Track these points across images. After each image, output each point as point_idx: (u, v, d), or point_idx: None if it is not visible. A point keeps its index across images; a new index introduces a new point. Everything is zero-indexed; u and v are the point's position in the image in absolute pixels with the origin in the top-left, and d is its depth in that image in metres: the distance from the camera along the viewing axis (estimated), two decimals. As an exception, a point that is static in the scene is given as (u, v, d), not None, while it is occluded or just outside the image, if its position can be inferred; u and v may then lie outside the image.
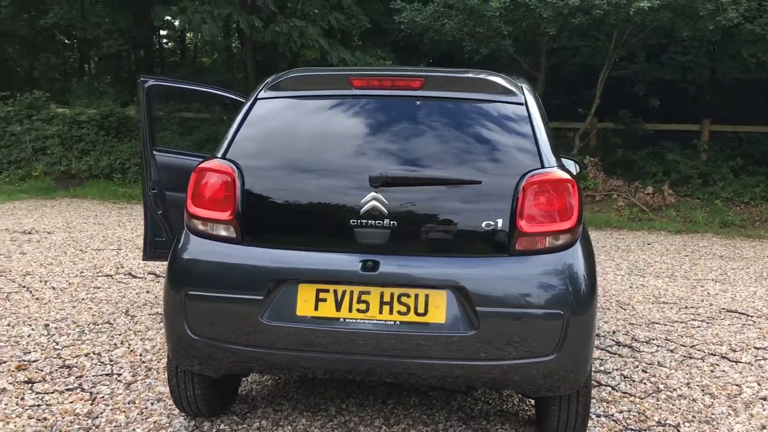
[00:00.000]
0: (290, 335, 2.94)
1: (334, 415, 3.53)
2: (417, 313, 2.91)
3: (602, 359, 4.45)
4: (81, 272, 6.45)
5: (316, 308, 2.95)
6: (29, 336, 4.66)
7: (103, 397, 3.68)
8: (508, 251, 2.95)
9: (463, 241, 3.00)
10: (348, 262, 2.96)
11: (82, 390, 3.76)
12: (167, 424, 3.39)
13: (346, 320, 2.93)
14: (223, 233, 3.07)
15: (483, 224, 2.95)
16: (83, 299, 5.54)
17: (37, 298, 5.57)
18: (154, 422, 3.40)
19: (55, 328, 4.84)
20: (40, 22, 17.39)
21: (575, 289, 2.94)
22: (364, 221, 2.97)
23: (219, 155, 3.18)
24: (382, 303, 2.93)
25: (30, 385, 3.83)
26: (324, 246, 3.03)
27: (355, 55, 14.72)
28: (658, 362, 4.44)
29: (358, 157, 3.12)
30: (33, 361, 4.18)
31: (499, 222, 2.94)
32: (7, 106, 14.99)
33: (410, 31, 12.57)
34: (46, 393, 3.72)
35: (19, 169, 13.70)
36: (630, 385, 4.07)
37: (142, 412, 3.50)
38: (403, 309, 2.92)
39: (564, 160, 4.94)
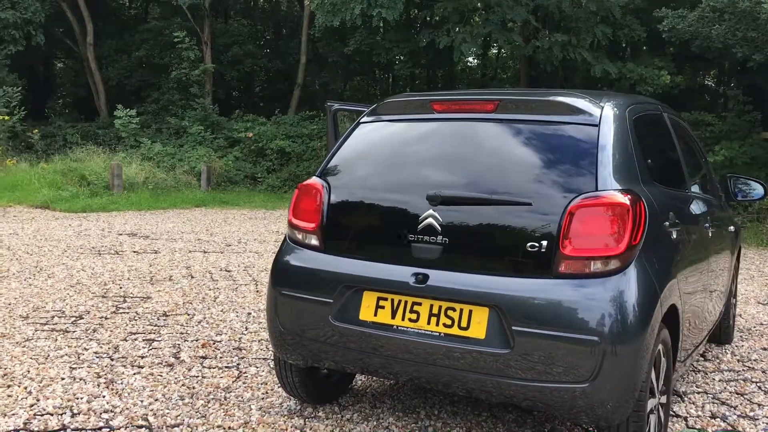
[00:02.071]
0: (353, 336, 3.27)
1: (421, 418, 3.75)
2: (460, 327, 3.06)
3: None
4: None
5: (375, 314, 3.24)
6: (230, 321, 5.54)
7: (247, 376, 4.32)
8: (551, 273, 2.95)
9: (507, 260, 3.07)
10: (403, 273, 3.20)
11: (237, 369, 4.45)
12: (278, 404, 3.91)
13: (399, 327, 3.17)
14: (310, 242, 3.50)
15: (528, 245, 3.00)
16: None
17: (257, 291, 6.52)
18: (270, 402, 3.94)
19: (254, 317, 5.67)
20: (345, 50, 19.51)
21: (617, 317, 2.85)
22: (420, 236, 3.19)
23: (317, 173, 3.62)
24: (431, 314, 3.13)
25: (203, 360, 4.61)
26: (387, 257, 3.30)
27: (626, 66, 14.20)
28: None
29: (423, 176, 3.36)
30: (218, 341, 5.00)
31: (544, 243, 2.97)
32: (311, 124, 17.15)
33: (674, 39, 11.84)
34: (210, 368, 4.46)
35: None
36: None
37: (267, 392, 4.06)
38: (448, 322, 3.09)
39: (749, 182, 4.59)
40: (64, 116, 23.99)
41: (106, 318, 5.51)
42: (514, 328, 2.94)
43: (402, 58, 19.70)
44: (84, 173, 14.27)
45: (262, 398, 4.00)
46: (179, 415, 3.71)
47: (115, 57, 24.49)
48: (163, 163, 16.68)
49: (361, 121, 3.78)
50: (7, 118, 17.17)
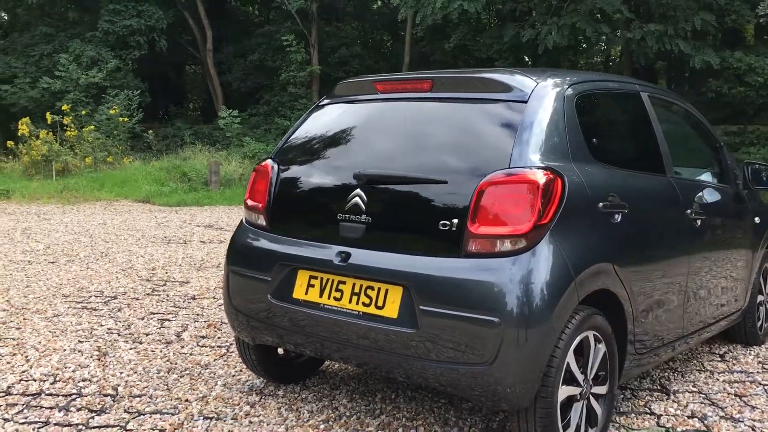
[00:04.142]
0: (287, 314, 3.34)
1: (376, 402, 3.75)
2: (377, 306, 3.06)
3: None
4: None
5: (306, 293, 3.30)
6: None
7: (231, 356, 4.47)
8: (460, 252, 2.89)
9: (422, 239, 3.04)
10: (330, 252, 3.23)
11: (227, 349, 4.61)
12: (244, 382, 4.03)
13: (325, 306, 3.21)
14: (259, 221, 3.59)
15: (440, 224, 2.95)
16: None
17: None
18: (238, 379, 4.07)
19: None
20: (445, 47, 19.49)
21: (519, 298, 2.75)
22: (347, 215, 3.21)
23: (271, 154, 3.71)
24: (352, 293, 3.15)
25: (201, 339, 4.81)
26: (320, 236, 3.34)
27: (733, 56, 13.33)
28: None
29: (358, 155, 3.38)
30: (225, 323, 5.18)
31: (455, 222, 2.92)
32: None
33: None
34: (203, 347, 4.65)
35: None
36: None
37: (241, 371, 4.18)
38: (367, 300, 3.09)
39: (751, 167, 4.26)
40: (184, 118, 25.39)
41: (137, 299, 5.84)
42: (420, 307, 2.90)
43: (503, 53, 19.41)
44: (185, 170, 15.07)
45: (233, 375, 4.13)
46: (146, 387, 3.90)
47: (233, 61, 25.63)
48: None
49: (318, 103, 3.83)
50: (126, 119, 18.40)
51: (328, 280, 3.23)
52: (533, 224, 2.81)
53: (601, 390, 3.18)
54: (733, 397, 3.96)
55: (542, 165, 2.92)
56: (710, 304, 4.11)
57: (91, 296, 5.92)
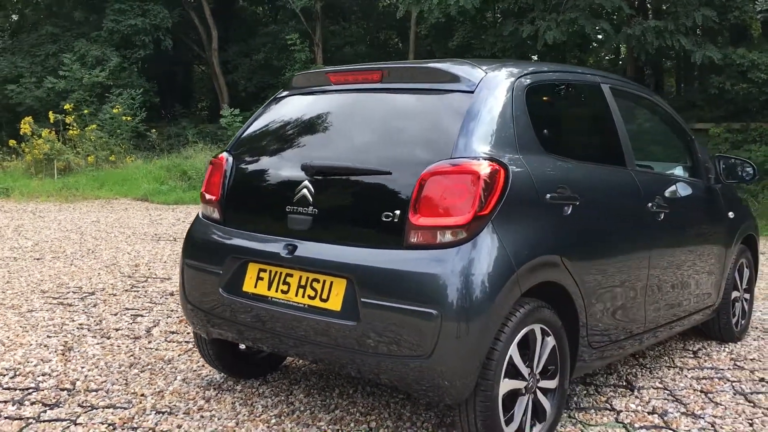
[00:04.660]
0: (238, 308, 3.30)
1: (333, 397, 3.71)
2: (321, 299, 3.03)
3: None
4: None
5: (255, 286, 3.27)
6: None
7: (195, 351, 4.44)
8: (401, 244, 2.85)
9: (366, 231, 3.01)
10: (278, 245, 3.20)
11: (194, 345, 4.56)
12: (204, 376, 4.00)
13: (273, 299, 3.18)
14: (213, 214, 3.57)
15: (383, 215, 2.91)
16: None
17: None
18: (198, 374, 4.05)
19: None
20: (449, 45, 19.42)
21: (456, 290, 2.71)
22: (295, 208, 3.18)
23: (227, 147, 3.69)
24: (299, 286, 3.11)
25: (170, 334, 4.79)
26: (269, 229, 3.31)
27: (735, 52, 13.17)
28: None
29: (309, 147, 3.35)
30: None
31: (397, 213, 2.88)
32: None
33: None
34: (170, 342, 4.63)
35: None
36: None
37: (204, 366, 4.15)
38: (312, 293, 3.06)
39: (739, 162, 4.20)
40: (191, 117, 25.45)
41: (114, 295, 5.84)
42: (362, 299, 2.87)
43: (507, 51, 19.33)
44: (185, 169, 15.09)
45: (195, 370, 4.10)
46: (105, 382, 3.89)
47: (238, 61, 25.67)
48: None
49: (277, 95, 3.80)
50: (129, 118, 18.46)
51: (276, 273, 3.20)
52: (473, 215, 2.76)
53: (550, 384, 3.13)
54: (699, 393, 3.90)
55: (485, 155, 2.87)
56: (678, 298, 4.05)
57: (69, 292, 5.92)
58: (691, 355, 4.57)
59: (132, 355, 4.34)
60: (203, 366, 4.15)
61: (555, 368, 3.14)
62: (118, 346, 4.49)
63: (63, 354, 4.32)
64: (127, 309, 5.41)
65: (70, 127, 16.88)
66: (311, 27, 22.90)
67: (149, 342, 4.61)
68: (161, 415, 3.47)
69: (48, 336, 4.68)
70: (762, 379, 4.12)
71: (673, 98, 16.30)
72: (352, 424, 3.39)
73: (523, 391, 2.99)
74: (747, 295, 4.98)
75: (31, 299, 5.65)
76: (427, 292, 2.74)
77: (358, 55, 24.12)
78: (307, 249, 3.10)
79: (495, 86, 3.09)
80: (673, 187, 4.11)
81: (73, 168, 16.00)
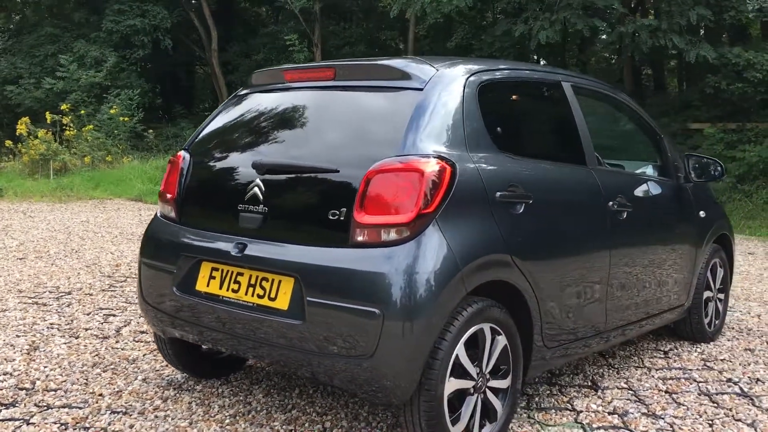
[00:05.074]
0: (191, 307, 3.28)
1: (292, 397, 3.69)
2: (270, 298, 3.01)
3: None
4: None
5: (207, 285, 3.25)
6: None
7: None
8: (347, 242, 2.83)
9: (313, 230, 2.98)
10: (230, 244, 3.17)
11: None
12: (165, 376, 3.98)
13: (224, 298, 3.16)
14: (169, 213, 3.55)
15: (330, 213, 2.89)
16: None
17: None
18: (160, 374, 4.03)
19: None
20: (447, 45, 19.40)
21: (401, 289, 2.69)
22: (246, 206, 3.16)
23: (185, 145, 3.67)
24: (249, 285, 3.09)
25: (139, 334, 4.77)
26: (222, 228, 3.29)
27: (731, 51, 13.10)
28: None
29: (262, 145, 3.34)
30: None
31: (344, 211, 2.86)
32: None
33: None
34: (137, 341, 4.61)
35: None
36: None
37: (167, 365, 4.12)
38: (261, 292, 3.04)
39: (707, 161, 4.17)
40: (191, 118, 25.46)
41: (91, 295, 5.83)
42: (308, 298, 2.84)
43: (504, 51, 19.29)
44: (180, 169, 15.06)
45: (157, 370, 4.08)
46: (65, 381, 3.87)
47: (238, 61, 25.67)
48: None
49: (236, 93, 3.78)
50: (127, 119, 18.48)
51: (227, 271, 3.18)
52: (416, 213, 2.73)
53: (502, 384, 3.09)
54: (663, 393, 3.86)
55: (432, 153, 2.84)
56: (644, 297, 4.01)
57: (45, 292, 5.91)
58: (662, 356, 4.53)
59: (97, 355, 4.32)
60: (167, 366, 4.13)
61: (507, 368, 3.11)
62: (85, 346, 4.48)
63: (28, 353, 4.31)
64: (100, 309, 5.40)
65: (67, 128, 16.90)
66: (310, 27, 22.90)
67: (117, 342, 4.59)
68: (116, 414, 3.45)
69: (17, 335, 4.67)
70: (729, 380, 4.08)
71: (671, 98, 16.21)
72: (306, 424, 3.37)
73: (472, 391, 2.95)
74: (721, 296, 4.93)
75: (6, 299, 5.64)
76: (369, 291, 2.72)
77: (357, 55, 24.12)
78: (257, 248, 3.08)
79: (445, 83, 3.06)
80: (638, 186, 4.07)
81: (69, 168, 16.01)
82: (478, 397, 2.98)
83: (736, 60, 13.35)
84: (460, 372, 2.89)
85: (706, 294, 4.71)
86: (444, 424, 2.82)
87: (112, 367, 4.12)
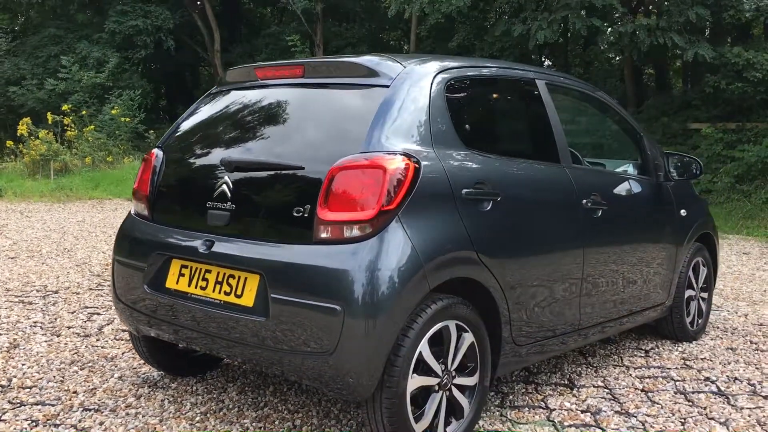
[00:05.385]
0: (161, 304, 3.29)
1: (266, 395, 3.69)
2: (236, 295, 3.01)
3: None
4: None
5: (177, 282, 3.25)
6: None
7: (144, 348, 4.42)
8: (311, 239, 2.83)
9: (278, 227, 2.99)
10: (198, 241, 3.18)
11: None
12: (142, 373, 3.99)
13: (192, 295, 3.16)
14: (142, 210, 3.56)
15: (295, 210, 2.89)
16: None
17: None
18: (137, 371, 4.03)
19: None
20: (448, 45, 19.39)
21: (362, 286, 2.68)
22: (214, 203, 3.17)
23: (158, 143, 3.68)
24: (216, 282, 3.10)
25: (121, 332, 4.77)
26: (192, 225, 3.30)
27: (731, 51, 13.04)
28: None
29: (232, 142, 3.35)
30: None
31: (308, 208, 2.86)
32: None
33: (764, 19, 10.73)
34: (118, 339, 4.62)
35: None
36: None
37: (144, 363, 4.13)
38: (228, 289, 3.04)
39: (685, 159, 4.16)
40: (193, 119, 25.53)
41: (78, 293, 5.84)
42: (272, 295, 2.84)
43: (505, 51, 19.26)
44: (180, 169, 15.10)
45: (134, 368, 4.09)
46: (41, 379, 3.88)
47: (241, 62, 25.71)
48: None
49: (211, 91, 3.79)
50: (128, 119, 18.54)
51: (196, 269, 3.19)
52: (378, 210, 2.73)
53: (469, 381, 3.08)
54: (639, 392, 3.85)
55: (395, 150, 2.84)
56: (621, 295, 3.99)
57: (32, 291, 5.93)
58: (642, 354, 4.51)
59: (76, 353, 4.33)
60: (144, 364, 4.13)
61: (475, 365, 3.10)
62: (65, 344, 4.49)
63: (8, 351, 4.32)
64: (86, 307, 5.41)
65: (68, 128, 16.96)
66: (312, 28, 22.93)
67: (98, 340, 4.60)
68: (87, 412, 3.46)
69: (-1, 334, 4.69)
70: (707, 379, 4.07)
71: (671, 98, 16.14)
72: (277, 422, 3.37)
73: (436, 388, 2.95)
74: (704, 294, 4.91)
75: (-8, 297, 5.66)
76: (331, 288, 2.72)
77: (359, 54, 24.12)
78: (224, 245, 3.08)
79: (412, 81, 3.06)
80: (615, 185, 4.06)
81: (70, 169, 16.07)
82: (443, 394, 2.98)
83: (735, 60, 13.29)
84: (424, 369, 2.88)
85: (688, 293, 4.69)
86: (407, 420, 2.82)
87: (90, 364, 4.13)
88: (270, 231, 3.00)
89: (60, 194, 13.62)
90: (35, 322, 4.97)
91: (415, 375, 2.83)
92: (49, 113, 17.14)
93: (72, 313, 5.25)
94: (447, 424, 3.02)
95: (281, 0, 23.97)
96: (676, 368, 4.25)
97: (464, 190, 3.02)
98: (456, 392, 3.03)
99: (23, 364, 4.10)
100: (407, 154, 2.84)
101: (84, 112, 18.14)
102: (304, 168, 2.95)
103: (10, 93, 20.98)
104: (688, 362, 4.37)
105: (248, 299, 2.95)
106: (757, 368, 4.27)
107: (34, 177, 15.51)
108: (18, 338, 4.58)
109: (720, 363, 4.37)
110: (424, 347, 2.85)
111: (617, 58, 19.59)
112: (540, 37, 12.52)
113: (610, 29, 12.72)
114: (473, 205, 3.06)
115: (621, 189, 4.08)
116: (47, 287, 6.06)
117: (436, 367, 2.92)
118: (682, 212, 4.51)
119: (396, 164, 2.78)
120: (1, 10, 24.70)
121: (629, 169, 4.50)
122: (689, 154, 4.65)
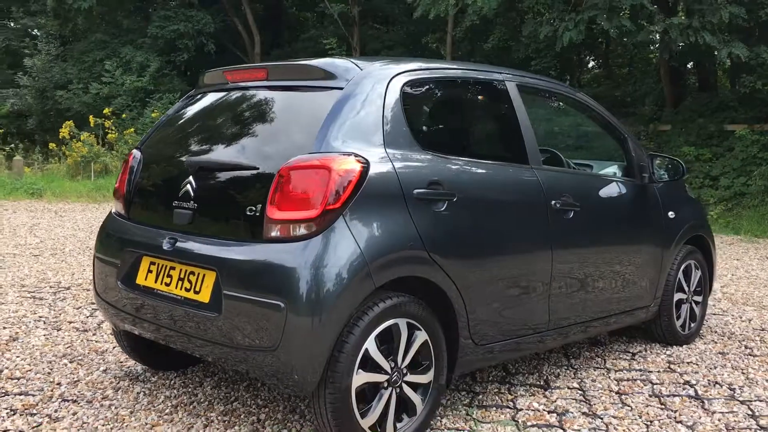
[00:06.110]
0: (131, 300, 3.41)
1: (240, 390, 3.78)
2: (195, 291, 3.11)
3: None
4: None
5: (146, 278, 3.37)
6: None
7: (136, 343, 4.56)
8: (261, 237, 2.91)
9: (233, 225, 3.08)
10: (164, 239, 3.29)
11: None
12: (127, 367, 4.12)
13: (157, 291, 3.28)
14: (121, 210, 3.69)
15: (248, 209, 2.98)
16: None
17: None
18: (122, 365, 4.17)
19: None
20: (483, 47, 19.35)
21: (306, 283, 2.76)
22: (179, 203, 3.27)
23: (138, 143, 3.81)
24: (179, 278, 3.20)
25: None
26: (160, 224, 3.41)
27: (767, 51, 12.71)
28: None
29: (199, 144, 3.46)
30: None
31: (259, 207, 2.94)
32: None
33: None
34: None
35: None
36: None
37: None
38: (188, 286, 3.15)
39: (668, 161, 4.14)
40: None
41: (88, 290, 6.04)
42: (224, 292, 2.93)
43: (540, 52, 19.11)
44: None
45: (121, 362, 4.23)
46: (30, 371, 4.04)
47: (280, 65, 26.05)
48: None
49: (189, 93, 3.91)
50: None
51: (162, 265, 3.30)
52: (322, 209, 2.80)
53: (422, 379, 3.12)
54: (613, 394, 3.83)
55: (342, 150, 2.90)
56: (596, 297, 3.97)
57: (46, 287, 6.15)
58: (628, 357, 4.47)
59: (70, 347, 4.49)
60: (130, 359, 4.26)
61: (429, 363, 3.13)
62: (62, 338, 4.66)
63: (6, 344, 4.50)
64: (91, 303, 5.59)
65: (109, 131, 17.45)
66: (349, 31, 23.10)
67: (94, 335, 4.76)
68: (65, 402, 3.59)
69: (3, 327, 4.88)
70: (687, 382, 4.02)
71: (708, 99, 15.77)
72: (243, 416, 3.45)
73: (385, 385, 2.99)
74: (698, 298, 4.84)
75: (7, 293, 5.89)
76: (275, 285, 2.79)
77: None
78: (185, 243, 3.19)
79: (366, 82, 3.12)
80: (591, 186, 4.04)
81: (110, 170, 16.52)
82: (392, 390, 3.02)
83: (751, 59, 12.95)
84: (371, 365, 2.93)
85: (678, 296, 4.63)
86: (352, 416, 2.87)
87: (80, 358, 4.28)
88: (226, 229, 3.09)
89: (97, 195, 14.02)
90: (40, 317, 5.16)
91: (361, 371, 2.88)
92: (91, 116, 17.65)
93: (77, 308, 5.43)
94: (399, 420, 3.06)
95: (320, 4, 24.18)
96: (658, 371, 4.20)
97: (416, 191, 3.05)
98: (407, 389, 3.07)
99: (17, 357, 4.27)
100: (354, 154, 2.90)
101: (124, 115, 18.62)
102: (258, 168, 3.04)
103: (57, 97, 21.66)
104: (672, 366, 4.32)
105: (205, 295, 3.04)
106: (743, 373, 4.20)
107: (75, 178, 15.99)
108: (20, 332, 4.77)
109: (705, 367, 4.30)
110: (370, 344, 2.90)
111: (654, 59, 19.25)
112: (565, 39, 12.41)
113: (642, 30, 12.51)
114: (426, 205, 3.09)
115: (598, 191, 4.06)
116: (60, 284, 6.27)
117: (385, 364, 2.97)
118: (670, 214, 4.46)
119: (342, 164, 2.84)
120: (52, 17, 25.49)
121: (617, 170, 4.47)
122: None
